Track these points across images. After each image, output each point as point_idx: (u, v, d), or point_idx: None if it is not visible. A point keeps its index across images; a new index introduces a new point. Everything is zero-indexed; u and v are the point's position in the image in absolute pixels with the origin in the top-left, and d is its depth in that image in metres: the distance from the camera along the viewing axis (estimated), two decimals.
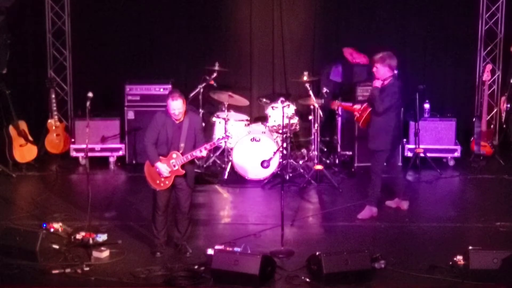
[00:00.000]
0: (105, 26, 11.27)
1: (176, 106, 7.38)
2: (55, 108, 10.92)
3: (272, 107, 10.23)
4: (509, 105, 10.37)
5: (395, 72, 8.64)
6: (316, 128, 10.04)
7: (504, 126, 10.54)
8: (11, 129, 10.41)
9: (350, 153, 10.74)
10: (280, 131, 9.97)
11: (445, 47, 11.33)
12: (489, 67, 10.68)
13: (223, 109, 10.33)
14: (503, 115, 10.50)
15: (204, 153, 7.49)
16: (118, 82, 10.95)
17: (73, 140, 10.91)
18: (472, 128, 10.83)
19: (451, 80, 11.50)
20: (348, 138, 10.82)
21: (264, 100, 10.59)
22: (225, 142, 9.86)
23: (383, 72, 8.48)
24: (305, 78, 9.99)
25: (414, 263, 7.27)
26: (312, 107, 10.10)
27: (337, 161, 10.71)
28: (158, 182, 7.50)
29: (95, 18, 11.30)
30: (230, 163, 10.13)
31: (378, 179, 8.64)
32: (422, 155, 10.52)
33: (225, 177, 10.08)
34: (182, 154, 7.44)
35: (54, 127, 10.94)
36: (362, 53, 10.95)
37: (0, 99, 10.43)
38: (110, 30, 11.29)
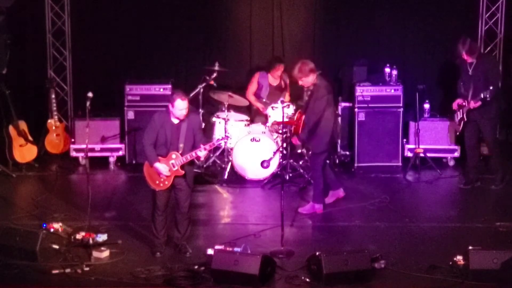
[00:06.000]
0: (105, 26, 11.26)
1: (185, 106, 7.40)
2: (55, 108, 10.92)
3: (272, 107, 10.23)
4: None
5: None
6: None
7: (460, 127, 9.80)
8: (11, 129, 10.41)
9: (350, 153, 10.75)
10: (280, 131, 9.97)
11: (445, 47, 11.32)
12: None
13: (223, 109, 10.33)
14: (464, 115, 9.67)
15: (203, 153, 7.48)
16: (118, 82, 10.95)
17: (73, 140, 10.91)
18: None
19: (451, 80, 11.47)
20: (348, 138, 10.83)
21: (264, 100, 10.58)
22: (224, 142, 9.86)
23: (312, 79, 8.69)
24: None
25: (414, 263, 7.27)
26: None
27: (337, 161, 10.71)
28: (157, 182, 7.50)
29: (95, 18, 11.29)
30: (230, 163, 10.13)
31: (321, 179, 8.88)
32: (422, 155, 10.52)
33: (225, 177, 10.08)
34: (182, 154, 7.44)
35: (54, 127, 10.94)
36: None
37: (0, 99, 10.43)
38: (110, 30, 11.28)
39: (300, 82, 8.82)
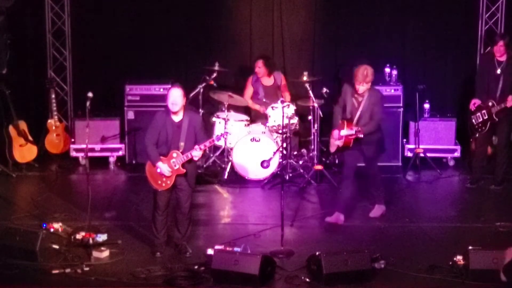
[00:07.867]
0: (105, 26, 11.26)
1: (176, 93, 7.36)
2: (55, 108, 10.93)
3: (272, 107, 10.23)
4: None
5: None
6: (315, 128, 10.04)
7: (486, 127, 9.58)
8: (11, 129, 10.42)
9: None
10: (280, 131, 9.97)
11: (445, 47, 11.32)
12: None
13: (223, 109, 10.33)
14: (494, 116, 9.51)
15: (197, 153, 7.42)
16: (118, 82, 10.96)
17: (73, 140, 10.92)
18: None
19: (451, 80, 11.50)
20: None
21: (264, 100, 10.58)
22: (224, 140, 9.86)
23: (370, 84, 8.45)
24: (304, 78, 9.99)
25: (414, 263, 7.27)
26: (311, 107, 10.10)
27: (337, 161, 10.70)
28: (159, 182, 7.51)
29: (95, 18, 11.29)
30: (230, 163, 10.13)
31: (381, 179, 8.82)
32: (422, 155, 10.52)
33: (225, 177, 10.08)
34: (182, 153, 7.44)
35: (54, 127, 10.94)
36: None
37: (0, 99, 10.44)
38: (110, 30, 11.28)
39: (362, 87, 8.29)
